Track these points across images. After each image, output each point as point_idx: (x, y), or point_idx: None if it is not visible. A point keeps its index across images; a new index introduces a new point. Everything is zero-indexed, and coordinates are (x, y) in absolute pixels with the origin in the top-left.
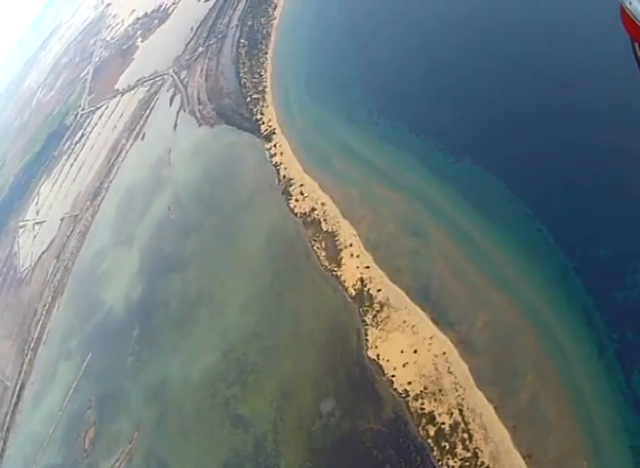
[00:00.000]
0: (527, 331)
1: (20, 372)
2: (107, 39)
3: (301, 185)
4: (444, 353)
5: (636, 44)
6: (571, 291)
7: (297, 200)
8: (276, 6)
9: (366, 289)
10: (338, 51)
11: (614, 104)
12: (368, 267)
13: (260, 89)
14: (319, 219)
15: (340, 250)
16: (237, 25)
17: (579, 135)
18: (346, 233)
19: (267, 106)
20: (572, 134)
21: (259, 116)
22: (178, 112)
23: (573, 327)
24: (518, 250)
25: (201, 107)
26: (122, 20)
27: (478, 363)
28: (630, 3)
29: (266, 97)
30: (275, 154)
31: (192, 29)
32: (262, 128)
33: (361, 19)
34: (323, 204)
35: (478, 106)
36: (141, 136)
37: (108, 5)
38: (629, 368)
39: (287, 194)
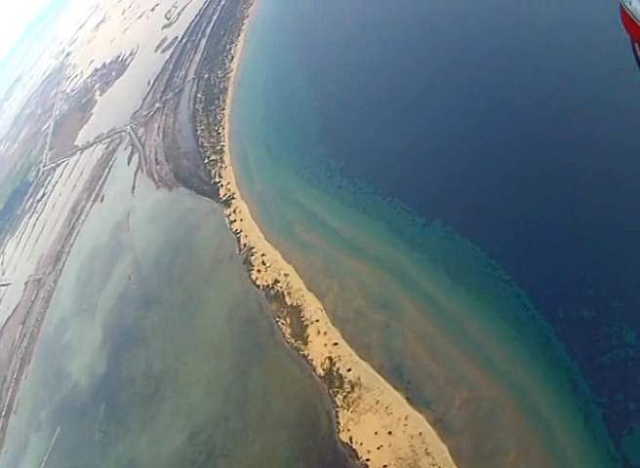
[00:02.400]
0: (508, 406)
1: None
2: (67, 91)
3: (263, 255)
4: (420, 434)
5: (636, 44)
6: (553, 358)
7: (259, 271)
8: (233, 57)
9: (335, 368)
10: (297, 106)
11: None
12: (336, 344)
13: (218, 148)
14: (283, 292)
15: (306, 325)
16: (194, 79)
17: (560, 181)
18: (312, 307)
19: (226, 167)
20: (552, 183)
21: (217, 179)
22: (135, 173)
23: (556, 396)
24: (496, 318)
25: (159, 168)
26: (81, 72)
27: (457, 442)
28: (630, 3)
29: (224, 157)
30: (235, 221)
31: (149, 83)
32: (221, 192)
33: (321, 71)
34: (286, 275)
35: (448, 164)
36: (101, 197)
37: (68, 54)
38: (618, 432)
39: (248, 264)
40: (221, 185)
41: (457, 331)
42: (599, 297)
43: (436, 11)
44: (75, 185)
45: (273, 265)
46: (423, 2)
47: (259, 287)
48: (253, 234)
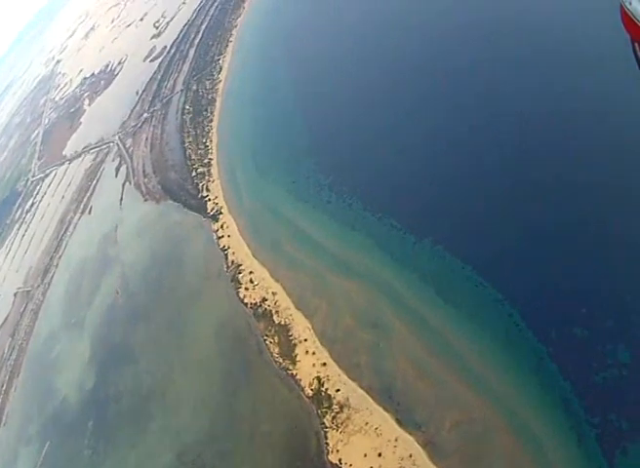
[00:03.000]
0: (500, 428)
1: None
2: (56, 100)
3: (251, 272)
4: (410, 456)
5: (636, 44)
6: (546, 378)
7: (246, 289)
8: (221, 68)
9: (324, 388)
10: (285, 119)
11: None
12: (325, 364)
13: (206, 161)
14: (271, 311)
15: (295, 345)
16: (182, 90)
17: (553, 198)
18: (300, 326)
19: (213, 181)
20: (544, 201)
21: (205, 192)
22: (123, 184)
23: (549, 417)
24: (487, 339)
25: (146, 180)
26: (70, 80)
27: (449, 465)
28: (630, 3)
29: (212, 170)
30: (223, 236)
31: (137, 93)
32: (209, 206)
33: (310, 83)
34: (274, 293)
35: (439, 180)
36: (89, 209)
37: (58, 62)
38: (612, 452)
39: (236, 282)
40: (209, 199)
41: (447, 351)
42: (593, 316)
43: (425, 21)
44: (63, 196)
45: (261, 283)
46: (410, 13)
47: (246, 305)
48: (240, 251)
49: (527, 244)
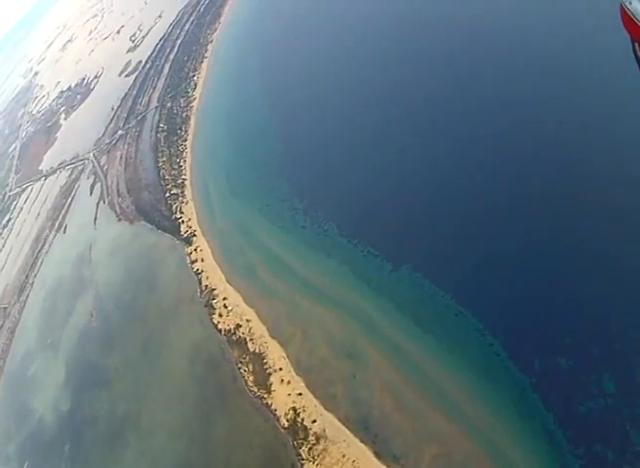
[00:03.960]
0: (480, 461)
1: None
2: (34, 113)
3: (225, 298)
4: None
5: (636, 44)
6: (528, 409)
7: (220, 315)
8: (196, 85)
9: (299, 418)
10: (260, 138)
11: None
12: (300, 394)
13: (180, 182)
14: (245, 338)
15: (270, 374)
16: (156, 107)
17: (535, 225)
18: (275, 355)
19: (187, 203)
20: (527, 227)
21: (178, 214)
22: (97, 204)
23: (532, 448)
24: (467, 369)
25: (120, 200)
26: (48, 93)
27: None
28: (630, 3)
29: (186, 192)
30: (196, 260)
31: (112, 109)
32: (182, 228)
33: (285, 101)
34: (248, 320)
35: (417, 206)
36: (64, 227)
37: (36, 74)
38: None
39: (210, 307)
40: (182, 221)
41: (426, 382)
42: (577, 345)
43: (411, 30)
44: (39, 213)
45: (235, 309)
46: (391, 30)
47: (220, 331)
48: (214, 275)
49: (509, 272)
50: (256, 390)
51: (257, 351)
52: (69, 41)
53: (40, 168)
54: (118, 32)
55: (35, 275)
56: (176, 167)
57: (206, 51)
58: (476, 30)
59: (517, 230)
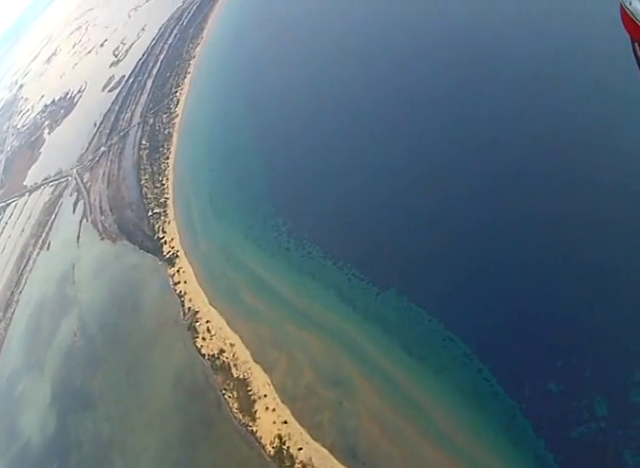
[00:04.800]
0: None
1: None
2: (18, 126)
3: (208, 321)
4: None
5: (636, 44)
6: (519, 436)
7: (204, 338)
8: (179, 101)
9: (285, 447)
10: (243, 156)
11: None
12: (286, 422)
13: (162, 201)
14: (229, 364)
15: (254, 401)
16: (139, 123)
17: (523, 250)
18: (259, 381)
19: (169, 222)
20: (514, 247)
21: (161, 234)
22: (80, 221)
23: None
24: (456, 395)
25: (103, 218)
26: (32, 106)
27: None
28: (630, 3)
29: (168, 211)
30: (179, 282)
31: (95, 124)
32: (165, 248)
33: (268, 118)
34: (232, 344)
35: (403, 227)
36: (47, 244)
37: (21, 87)
38: None
39: (193, 330)
40: (165, 242)
41: (414, 409)
42: (568, 368)
43: (391, 50)
44: (24, 229)
45: (218, 333)
46: (377, 45)
47: (204, 356)
48: (197, 298)
49: (498, 295)
50: (240, 417)
51: (241, 377)
52: (54, 54)
53: (25, 183)
54: (102, 45)
55: (20, 292)
56: (158, 185)
57: (189, 66)
58: (475, 30)
59: (506, 251)
